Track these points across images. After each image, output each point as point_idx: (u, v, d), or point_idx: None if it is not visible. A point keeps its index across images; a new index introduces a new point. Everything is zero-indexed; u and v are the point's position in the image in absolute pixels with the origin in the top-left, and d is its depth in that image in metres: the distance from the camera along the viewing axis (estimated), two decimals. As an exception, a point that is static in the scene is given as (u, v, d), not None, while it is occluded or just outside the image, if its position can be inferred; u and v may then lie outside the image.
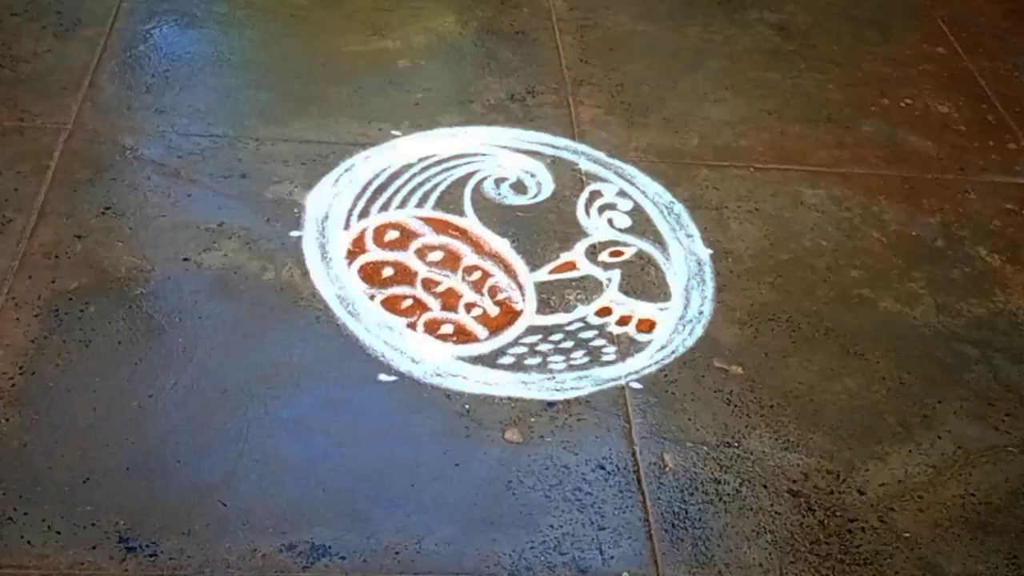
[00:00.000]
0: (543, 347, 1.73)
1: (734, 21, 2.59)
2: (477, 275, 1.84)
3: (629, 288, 1.85)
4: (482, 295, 1.80)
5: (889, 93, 2.41)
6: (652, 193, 2.05)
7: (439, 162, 2.06)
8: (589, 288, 1.84)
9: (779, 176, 2.14)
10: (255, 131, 2.08)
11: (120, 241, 1.82)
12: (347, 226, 1.90)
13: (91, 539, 1.39)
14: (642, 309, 1.82)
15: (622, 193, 2.04)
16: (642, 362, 1.73)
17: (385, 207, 1.95)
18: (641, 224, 1.98)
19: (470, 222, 1.94)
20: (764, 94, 2.36)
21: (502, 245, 1.90)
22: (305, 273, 1.81)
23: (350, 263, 1.83)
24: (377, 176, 2.01)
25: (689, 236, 1.97)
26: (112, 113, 2.08)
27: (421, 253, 1.87)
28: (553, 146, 2.14)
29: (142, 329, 1.67)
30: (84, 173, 1.94)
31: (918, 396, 1.72)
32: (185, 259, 1.80)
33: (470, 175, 2.04)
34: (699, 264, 1.91)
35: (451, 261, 1.86)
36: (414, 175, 2.02)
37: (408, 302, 1.78)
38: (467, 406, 1.62)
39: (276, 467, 1.50)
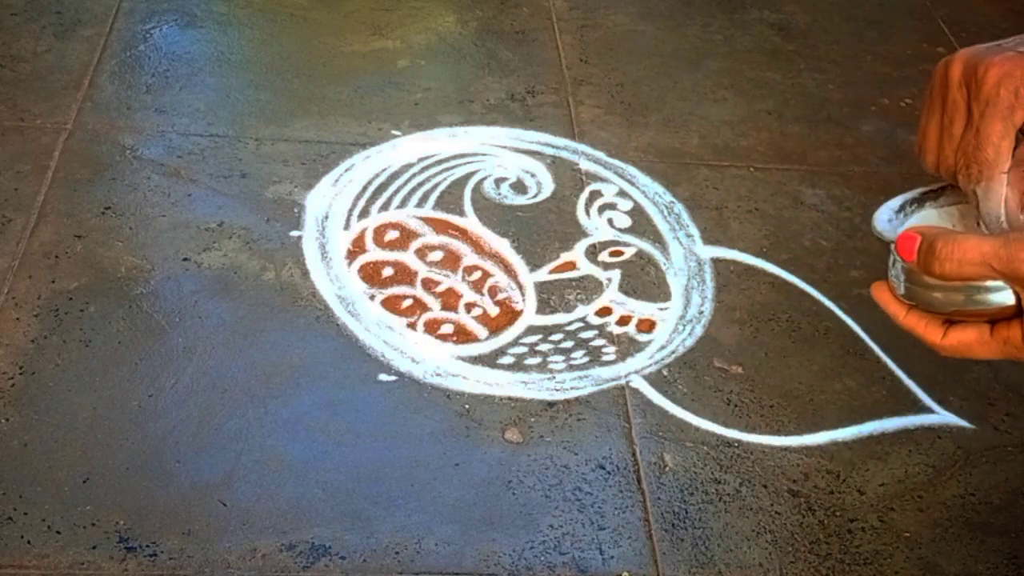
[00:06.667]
0: (543, 347, 1.73)
1: (734, 21, 2.59)
2: (477, 275, 1.84)
3: (629, 288, 1.85)
4: (482, 295, 1.80)
5: (889, 93, 2.40)
6: (652, 193, 2.05)
7: (439, 162, 2.06)
8: (589, 288, 1.84)
9: (779, 176, 2.14)
10: (255, 131, 2.08)
11: (120, 241, 1.82)
12: (347, 226, 1.90)
13: (91, 539, 1.39)
14: (642, 309, 1.82)
15: (622, 193, 2.04)
16: (642, 362, 1.73)
17: (385, 207, 1.95)
18: (641, 224, 1.98)
19: (470, 222, 1.94)
20: (764, 94, 2.36)
21: (502, 245, 1.90)
22: (305, 273, 1.81)
23: (350, 263, 1.83)
24: (377, 176, 2.01)
25: (689, 236, 1.97)
26: (112, 113, 2.08)
27: (421, 253, 1.87)
28: (553, 146, 2.14)
29: (142, 329, 1.67)
30: (84, 173, 1.94)
31: (918, 396, 1.72)
32: (185, 259, 1.80)
33: (470, 175, 2.04)
34: (699, 264, 1.91)
35: (451, 261, 1.86)
36: (414, 175, 2.02)
37: (408, 302, 1.78)
38: (467, 406, 1.62)
39: (276, 467, 1.50)
